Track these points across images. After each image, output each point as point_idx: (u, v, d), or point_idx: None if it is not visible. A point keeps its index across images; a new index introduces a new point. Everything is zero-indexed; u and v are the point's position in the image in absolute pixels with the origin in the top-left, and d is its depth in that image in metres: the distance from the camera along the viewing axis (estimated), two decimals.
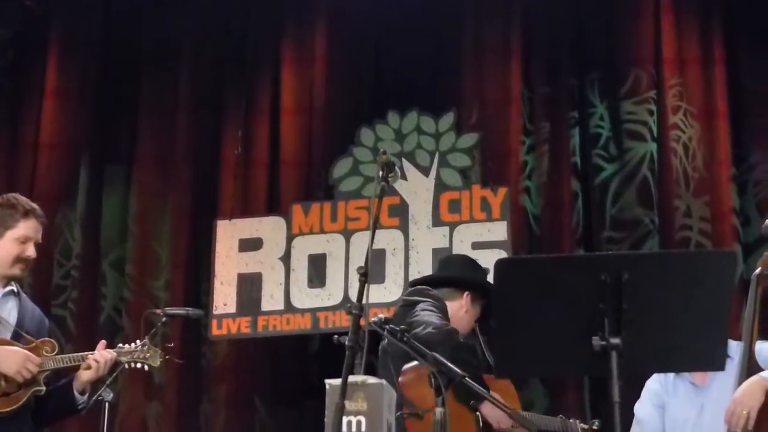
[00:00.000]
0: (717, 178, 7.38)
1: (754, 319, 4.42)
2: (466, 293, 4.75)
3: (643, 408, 5.00)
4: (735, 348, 4.61)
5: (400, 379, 4.19)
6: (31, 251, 5.00)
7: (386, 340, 4.25)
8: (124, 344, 5.33)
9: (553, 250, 7.43)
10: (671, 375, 4.68)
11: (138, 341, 5.32)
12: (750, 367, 4.37)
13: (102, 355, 5.05)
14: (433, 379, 3.75)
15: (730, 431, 4.28)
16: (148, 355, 5.26)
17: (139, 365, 5.27)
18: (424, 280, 4.99)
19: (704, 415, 4.75)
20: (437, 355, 3.80)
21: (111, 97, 8.64)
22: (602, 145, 7.69)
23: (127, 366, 5.26)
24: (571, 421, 5.22)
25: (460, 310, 4.72)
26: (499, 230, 7.50)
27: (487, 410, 4.37)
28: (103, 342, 5.19)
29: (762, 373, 4.30)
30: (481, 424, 4.35)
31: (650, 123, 7.57)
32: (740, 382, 4.33)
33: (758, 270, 4.47)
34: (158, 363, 5.32)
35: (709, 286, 3.21)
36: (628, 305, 3.16)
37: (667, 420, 4.90)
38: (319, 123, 8.25)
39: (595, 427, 5.22)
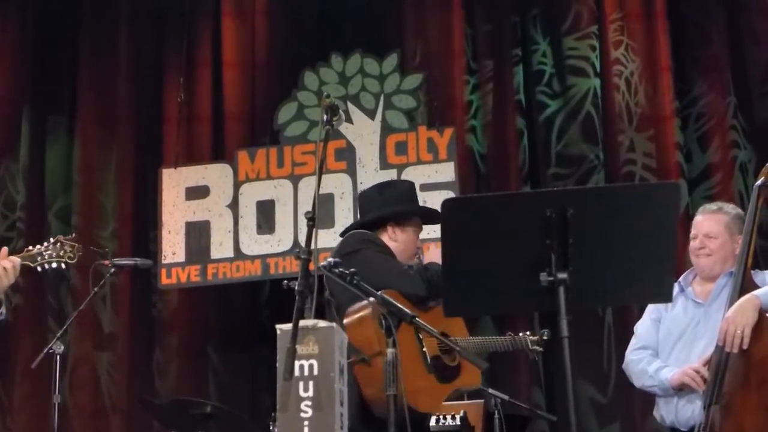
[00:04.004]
0: (660, 113, 7.41)
1: (753, 231, 4.46)
2: (389, 225, 4.76)
3: (641, 322, 5.04)
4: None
5: (343, 323, 4.20)
6: None
7: (327, 291, 4.26)
8: (33, 247, 5.19)
9: (500, 188, 7.46)
10: (675, 290, 4.70)
11: (51, 239, 5.18)
12: (744, 285, 4.42)
13: (2, 263, 4.89)
14: (383, 321, 3.77)
15: (723, 349, 4.33)
16: (62, 252, 5.10)
17: (54, 265, 5.11)
18: (348, 231, 4.98)
19: (698, 329, 4.78)
20: (386, 296, 3.81)
21: (50, 50, 8.52)
22: (546, 81, 7.71)
23: (39, 269, 5.11)
24: (520, 335, 5.26)
25: (390, 243, 4.74)
26: (447, 171, 7.51)
27: None
28: (5, 249, 5.02)
29: (755, 292, 4.34)
30: (429, 360, 4.38)
31: (592, 58, 7.59)
32: (734, 299, 4.37)
33: (760, 180, 4.50)
34: (76, 257, 5.16)
35: (654, 219, 3.23)
36: (574, 240, 3.18)
37: (661, 332, 4.93)
38: (262, 68, 8.19)
39: (545, 337, 5.28)
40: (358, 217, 7.37)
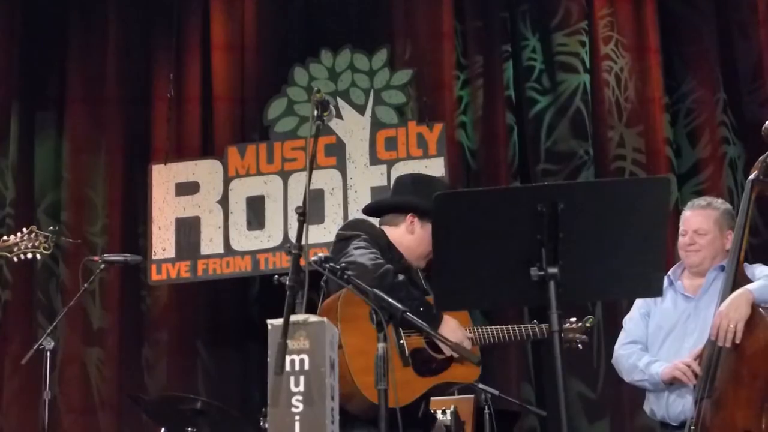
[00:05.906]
0: (649, 108, 7.43)
1: (746, 225, 4.46)
2: (410, 215, 4.62)
3: (630, 316, 5.01)
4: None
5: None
6: None
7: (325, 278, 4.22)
8: (9, 237, 5.19)
9: (490, 183, 7.48)
10: (664, 284, 4.68)
11: (24, 229, 5.16)
12: (737, 279, 4.42)
13: None
14: (374, 315, 3.77)
15: (716, 343, 4.33)
16: (37, 243, 5.11)
17: (29, 255, 5.12)
18: (368, 208, 4.91)
19: (688, 323, 4.77)
20: (378, 291, 3.80)
21: (39, 46, 8.49)
22: (535, 77, 7.72)
23: (16, 259, 5.10)
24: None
25: (405, 234, 4.58)
26: (437, 166, 7.51)
27: (446, 331, 4.30)
28: None
29: (748, 286, 4.34)
30: (407, 353, 4.30)
31: (582, 54, 7.60)
32: (727, 293, 4.37)
33: (753, 175, 4.49)
34: (50, 249, 5.17)
35: (644, 213, 3.24)
36: (565, 235, 3.18)
37: (651, 326, 4.92)
38: (251, 62, 8.19)
39: (588, 324, 5.18)
40: (349, 213, 7.45)
